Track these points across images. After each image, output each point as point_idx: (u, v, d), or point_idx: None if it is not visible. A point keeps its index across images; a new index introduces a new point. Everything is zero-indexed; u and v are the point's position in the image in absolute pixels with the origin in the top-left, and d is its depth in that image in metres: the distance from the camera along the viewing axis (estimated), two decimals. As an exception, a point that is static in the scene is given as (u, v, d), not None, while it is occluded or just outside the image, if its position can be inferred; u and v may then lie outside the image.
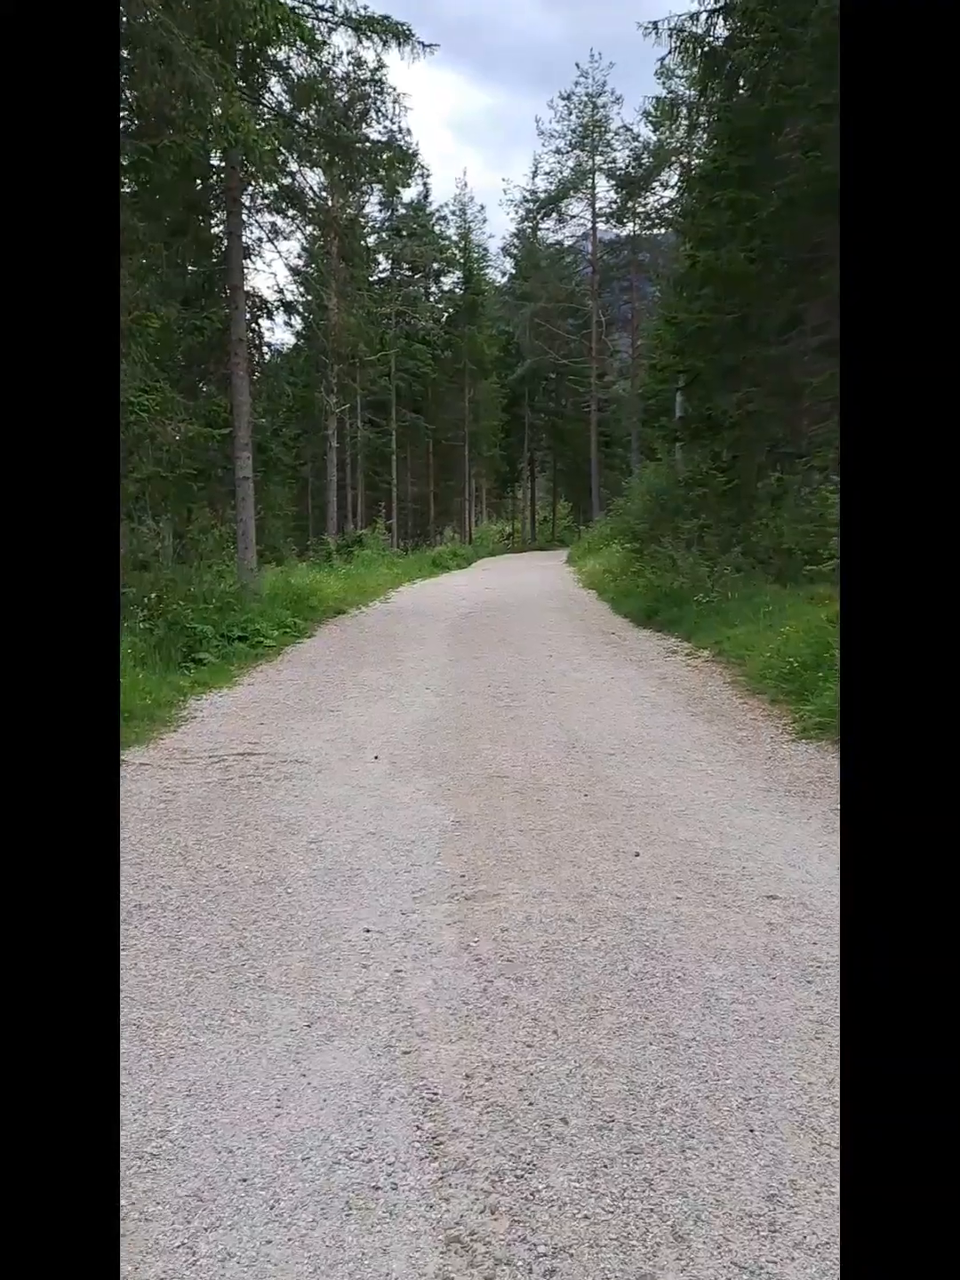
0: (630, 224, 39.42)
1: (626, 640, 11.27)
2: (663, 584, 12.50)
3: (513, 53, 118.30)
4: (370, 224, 36.18)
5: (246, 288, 15.76)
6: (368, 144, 13.22)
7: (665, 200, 36.90)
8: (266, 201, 15.15)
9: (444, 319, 42.50)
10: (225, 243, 13.17)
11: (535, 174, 41.55)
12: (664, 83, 32.70)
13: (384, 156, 13.25)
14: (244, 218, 13.05)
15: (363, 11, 12.62)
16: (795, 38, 14.09)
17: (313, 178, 14.70)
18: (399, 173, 13.28)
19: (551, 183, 39.68)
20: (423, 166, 13.34)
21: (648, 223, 38.93)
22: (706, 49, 16.97)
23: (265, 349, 19.18)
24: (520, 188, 44.14)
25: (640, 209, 37.98)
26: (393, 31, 12.78)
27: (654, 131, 34.06)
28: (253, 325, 16.38)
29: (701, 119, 18.29)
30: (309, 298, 19.70)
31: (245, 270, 13.21)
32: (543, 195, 41.03)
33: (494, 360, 44.01)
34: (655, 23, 17.18)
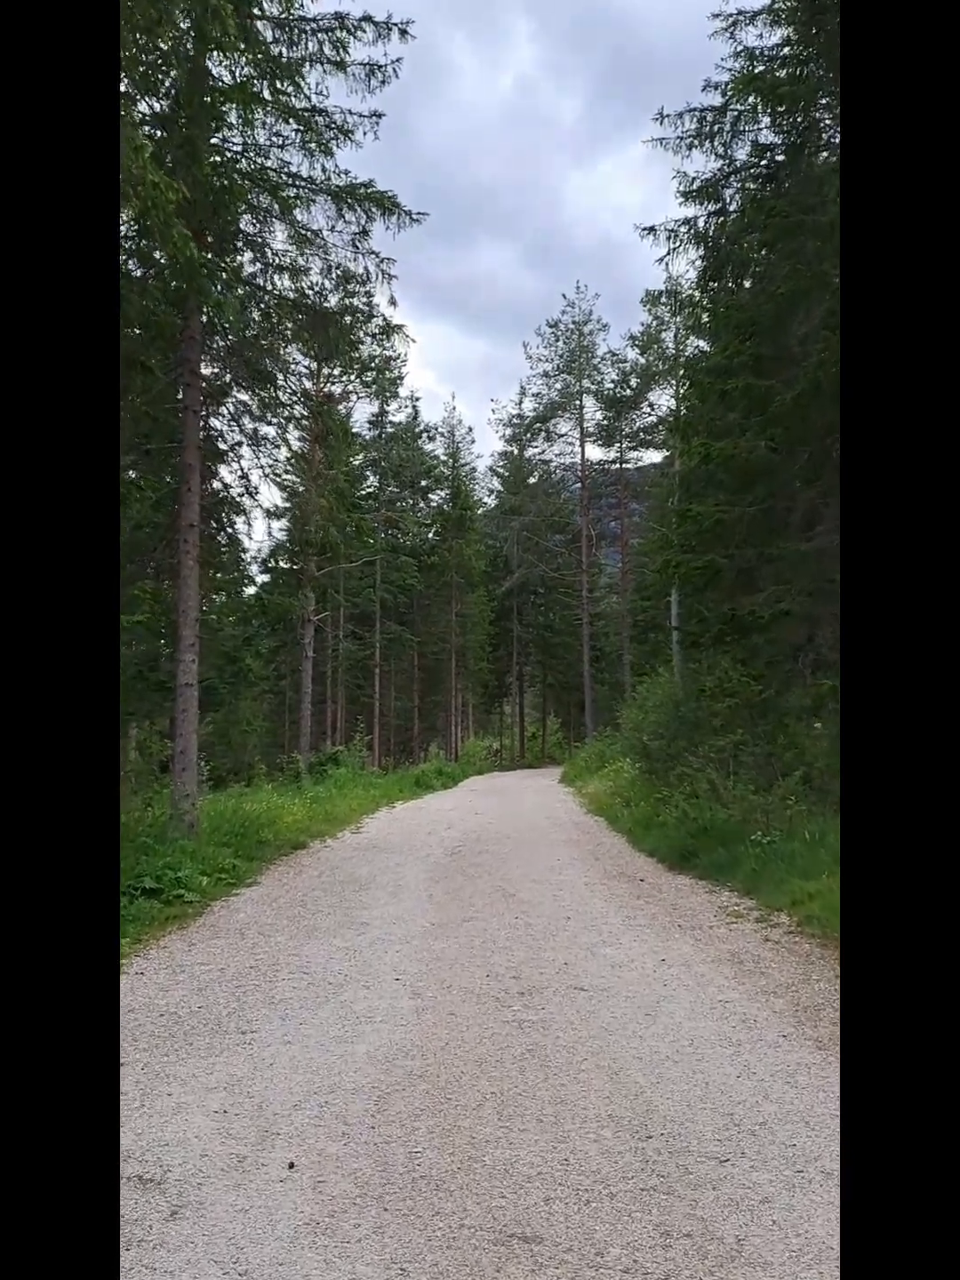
0: (617, 445, 39.68)
1: (663, 891, 8.63)
2: (699, 816, 9.99)
3: (498, 308, 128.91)
4: (360, 440, 36.12)
5: (208, 479, 14.16)
6: (344, 312, 11.85)
7: (652, 420, 37.23)
8: (243, 403, 13.75)
9: (431, 532, 42.04)
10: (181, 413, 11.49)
11: (522, 397, 42.31)
12: (650, 308, 33.56)
13: (365, 330, 11.90)
14: (201, 388, 11.45)
15: (345, 177, 11.56)
16: (807, 224, 13.26)
17: (294, 360, 13.35)
18: (380, 353, 11.86)
19: (539, 404, 40.21)
20: (408, 339, 11.70)
21: (634, 444, 39.21)
22: (709, 244, 16.39)
23: (243, 552, 17.51)
24: (508, 409, 44.87)
25: (628, 429, 38.27)
26: (376, 200, 11.70)
27: (641, 354, 34.64)
28: (218, 517, 14.64)
29: (703, 315, 17.53)
30: (284, 494, 18.24)
31: (199, 451, 11.48)
32: (530, 416, 41.56)
33: (482, 573, 43.19)
34: (651, 227, 16.72)
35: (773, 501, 13.97)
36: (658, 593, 38.03)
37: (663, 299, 32.55)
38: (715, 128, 16.28)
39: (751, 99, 15.60)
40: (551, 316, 41.67)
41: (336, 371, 22.18)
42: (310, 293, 12.16)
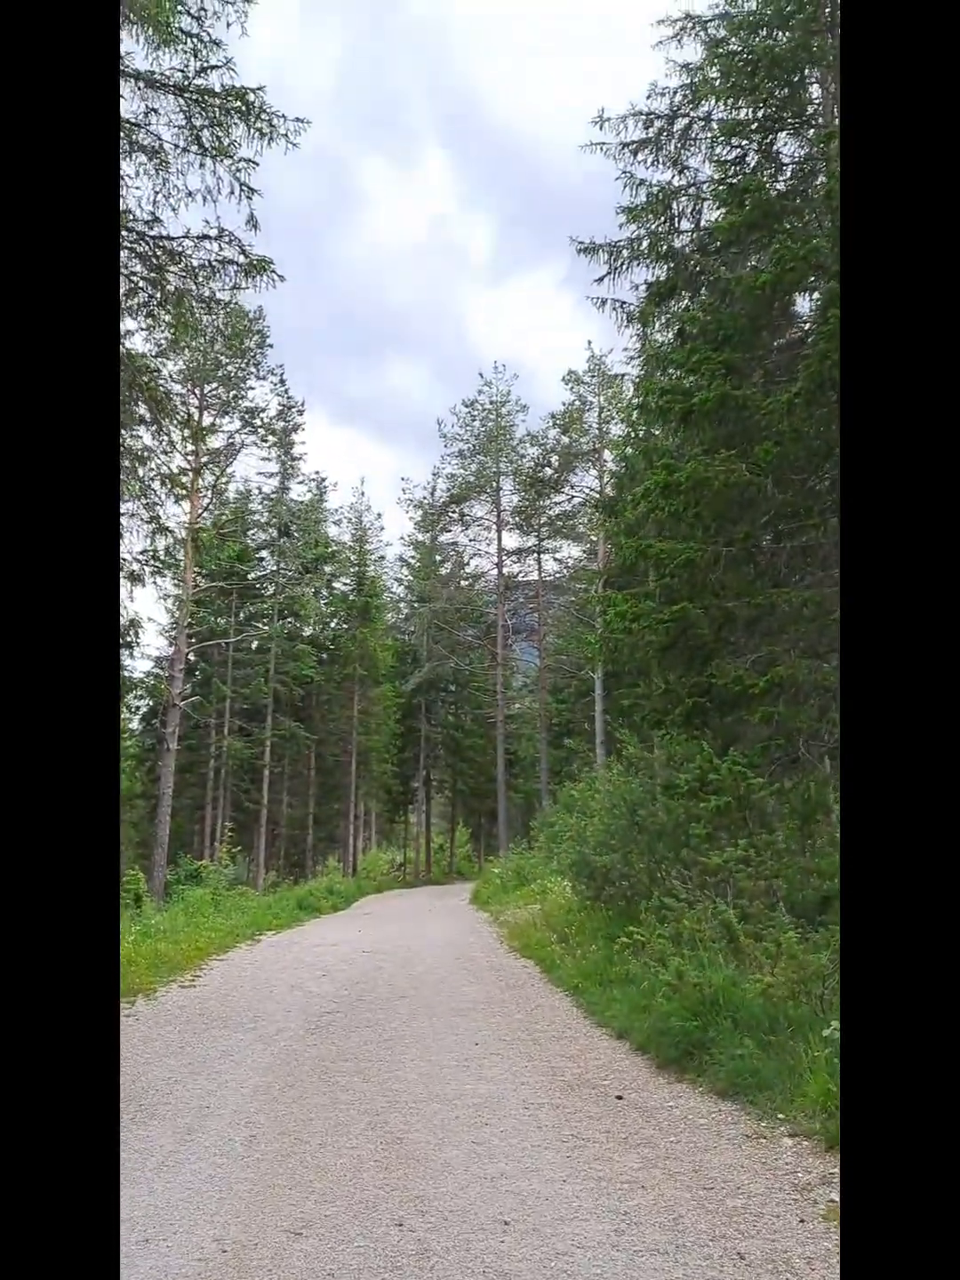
0: (535, 533, 37.00)
1: (667, 1129, 4.84)
2: (703, 979, 6.26)
3: (410, 422, 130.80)
4: (257, 509, 32.67)
5: None
6: (192, 246, 8.40)
7: (571, 508, 34.76)
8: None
9: (333, 622, 38.38)
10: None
11: (435, 481, 39.49)
12: (572, 387, 31.26)
13: (220, 273, 8.45)
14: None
15: (199, 63, 8.28)
16: (794, 199, 10.76)
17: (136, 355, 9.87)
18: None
19: (454, 485, 37.43)
20: (275, 277, 8.20)
21: (552, 531, 36.62)
22: (667, 250, 13.77)
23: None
24: (420, 491, 41.93)
25: (547, 514, 35.67)
26: (235, 106, 8.44)
27: (563, 433, 32.29)
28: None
29: (655, 338, 14.68)
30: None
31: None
32: (444, 498, 38.73)
33: (389, 668, 39.42)
34: (593, 244, 14.13)
35: (754, 538, 10.92)
36: (578, 694, 35.04)
37: (591, 370, 30.39)
38: (663, 134, 13.90)
39: (709, 102, 13.50)
40: (468, 397, 39.18)
41: (217, 416, 18.73)
42: (142, 226, 8.70)
